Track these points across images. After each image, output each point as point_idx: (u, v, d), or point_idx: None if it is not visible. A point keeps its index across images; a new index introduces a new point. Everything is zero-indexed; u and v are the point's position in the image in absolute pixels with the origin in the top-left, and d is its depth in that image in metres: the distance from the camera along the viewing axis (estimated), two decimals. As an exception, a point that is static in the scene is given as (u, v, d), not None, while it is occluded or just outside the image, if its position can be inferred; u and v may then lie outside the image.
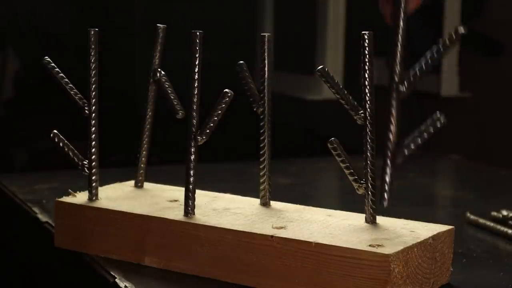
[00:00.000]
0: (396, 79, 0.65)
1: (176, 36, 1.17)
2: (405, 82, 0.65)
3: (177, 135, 1.08)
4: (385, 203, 0.66)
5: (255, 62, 0.79)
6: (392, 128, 0.65)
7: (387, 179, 0.66)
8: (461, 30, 0.63)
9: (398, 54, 0.65)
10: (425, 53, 0.64)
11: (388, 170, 0.66)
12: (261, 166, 0.79)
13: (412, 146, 0.65)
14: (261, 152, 0.79)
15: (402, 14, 0.66)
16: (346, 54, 2.62)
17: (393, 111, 0.65)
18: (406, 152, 0.65)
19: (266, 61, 0.77)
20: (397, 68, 0.65)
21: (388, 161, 0.66)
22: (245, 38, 2.64)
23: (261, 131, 0.78)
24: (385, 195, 0.66)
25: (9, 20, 2.53)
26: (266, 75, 0.78)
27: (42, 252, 0.94)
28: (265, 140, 0.78)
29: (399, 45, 0.65)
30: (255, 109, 0.79)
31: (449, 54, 2.73)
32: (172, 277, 0.75)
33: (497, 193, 1.19)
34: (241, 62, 0.78)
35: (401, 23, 0.65)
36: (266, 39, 0.77)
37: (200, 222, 0.74)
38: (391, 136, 0.65)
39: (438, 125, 0.63)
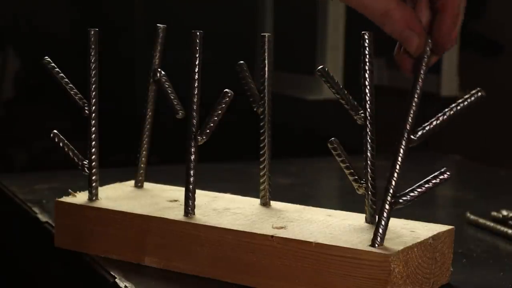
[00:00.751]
0: (408, 127, 0.66)
1: (176, 36, 1.17)
2: (418, 133, 0.66)
3: (177, 135, 1.08)
4: (377, 245, 0.66)
5: (255, 62, 0.79)
6: (396, 174, 0.66)
7: (383, 222, 0.66)
8: (481, 93, 0.63)
9: (414, 104, 0.66)
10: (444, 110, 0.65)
11: (385, 214, 0.66)
12: (261, 166, 0.79)
13: (416, 193, 0.65)
14: (261, 152, 0.79)
15: (424, 67, 0.66)
16: (346, 54, 2.62)
17: (399, 158, 0.66)
18: (407, 198, 0.66)
19: (266, 61, 0.77)
20: (410, 118, 0.66)
21: (387, 206, 0.66)
22: (245, 38, 2.64)
23: (261, 131, 0.78)
24: (379, 238, 0.66)
25: (9, 20, 2.53)
26: (266, 75, 0.78)
27: (42, 252, 0.94)
28: (265, 140, 0.78)
29: (416, 96, 0.66)
30: (255, 109, 0.79)
31: (449, 54, 2.73)
32: (172, 277, 0.74)
33: (497, 193, 1.19)
34: (241, 62, 0.78)
35: (422, 76, 0.66)
36: (266, 39, 0.77)
37: (200, 222, 0.74)
38: (393, 182, 0.66)
39: (443, 180, 0.64)
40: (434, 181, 0.65)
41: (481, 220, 0.95)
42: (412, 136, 0.66)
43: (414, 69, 0.68)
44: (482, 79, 2.79)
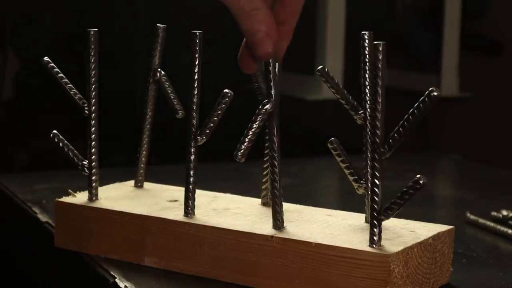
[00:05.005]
0: (378, 141, 0.66)
1: (176, 36, 1.17)
2: (387, 145, 0.66)
3: (177, 135, 1.08)
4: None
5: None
6: (379, 189, 0.66)
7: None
8: (435, 92, 0.63)
9: (379, 119, 0.66)
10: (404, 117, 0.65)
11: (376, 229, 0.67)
12: (264, 166, 0.79)
13: (396, 206, 0.65)
14: (265, 152, 0.78)
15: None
16: (346, 54, 2.62)
17: (377, 173, 0.67)
18: (390, 213, 0.66)
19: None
20: (379, 132, 0.67)
21: (375, 222, 0.67)
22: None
23: (267, 130, 0.78)
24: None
25: (9, 20, 2.53)
26: (276, 75, 0.76)
27: (42, 252, 0.94)
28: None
29: (378, 112, 0.66)
30: None
31: (449, 54, 2.73)
32: (172, 277, 0.75)
33: (497, 193, 1.19)
34: None
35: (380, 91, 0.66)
36: None
37: (200, 222, 0.74)
38: (377, 199, 0.66)
39: (418, 187, 0.63)
40: (411, 192, 0.64)
41: (481, 220, 0.95)
42: (382, 149, 0.66)
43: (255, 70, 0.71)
44: (482, 79, 2.79)
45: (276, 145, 0.72)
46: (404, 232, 0.71)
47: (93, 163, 0.82)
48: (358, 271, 0.66)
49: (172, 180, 0.90)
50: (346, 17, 2.62)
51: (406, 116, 0.65)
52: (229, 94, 0.74)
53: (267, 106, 0.72)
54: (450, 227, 0.73)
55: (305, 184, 1.25)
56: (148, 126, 0.86)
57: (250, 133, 0.71)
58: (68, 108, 0.97)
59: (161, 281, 0.74)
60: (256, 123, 0.71)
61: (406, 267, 0.66)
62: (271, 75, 0.72)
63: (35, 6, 2.57)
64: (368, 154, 0.71)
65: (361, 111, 0.72)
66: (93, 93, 0.81)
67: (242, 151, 0.71)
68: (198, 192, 0.78)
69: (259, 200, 0.81)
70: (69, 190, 0.84)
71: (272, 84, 0.72)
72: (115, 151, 2.02)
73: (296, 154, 1.57)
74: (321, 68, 0.71)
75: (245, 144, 0.71)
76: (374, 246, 0.66)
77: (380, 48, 0.66)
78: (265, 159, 0.79)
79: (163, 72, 0.83)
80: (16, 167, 2.47)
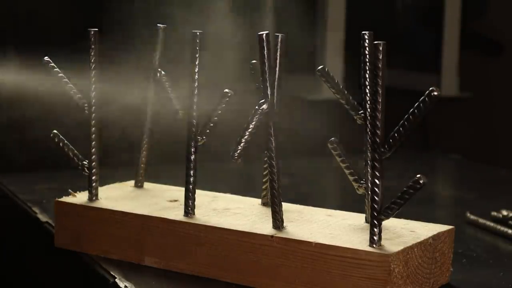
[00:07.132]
0: (378, 141, 0.66)
1: (176, 36, 1.17)
2: (387, 145, 0.66)
3: (177, 135, 1.08)
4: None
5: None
6: (379, 189, 0.66)
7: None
8: (435, 92, 0.63)
9: (380, 119, 0.66)
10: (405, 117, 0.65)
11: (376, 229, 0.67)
12: (265, 166, 0.79)
13: (396, 206, 0.66)
14: (265, 152, 0.78)
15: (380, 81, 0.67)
16: (346, 54, 2.62)
17: (377, 173, 0.67)
18: (390, 213, 0.66)
19: (278, 61, 0.76)
20: (379, 132, 0.67)
21: (375, 221, 0.67)
22: (244, 38, 2.63)
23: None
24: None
25: (9, 20, 2.53)
26: (277, 75, 0.76)
27: (42, 252, 0.94)
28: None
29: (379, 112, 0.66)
30: None
31: (449, 54, 2.73)
32: (172, 277, 0.75)
33: (497, 193, 1.19)
34: (254, 61, 0.78)
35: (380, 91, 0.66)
36: (280, 39, 0.76)
37: (200, 222, 0.74)
38: (377, 198, 0.66)
39: (418, 187, 0.64)
40: (411, 192, 0.64)
41: (481, 220, 0.95)
42: (382, 149, 0.66)
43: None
44: (482, 79, 2.79)
45: (274, 145, 0.72)
46: (404, 232, 0.71)
47: (93, 163, 0.82)
48: (358, 271, 0.66)
49: (172, 180, 0.90)
50: (346, 17, 2.62)
51: (406, 116, 0.65)
52: (229, 94, 0.74)
53: (263, 106, 0.71)
54: (450, 227, 0.73)
55: (305, 184, 1.25)
56: (148, 126, 0.86)
57: (246, 133, 0.71)
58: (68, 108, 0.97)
59: (161, 281, 0.74)
60: (252, 123, 0.71)
61: (406, 267, 0.67)
62: (267, 75, 0.72)
63: (35, 5, 2.57)
64: (368, 154, 0.71)
65: (361, 111, 0.72)
66: (93, 93, 0.81)
67: (238, 151, 0.71)
68: (198, 192, 0.78)
69: (259, 200, 0.81)
70: (69, 190, 0.84)
71: (268, 84, 0.72)
72: (115, 151, 2.02)
73: (296, 154, 1.57)
74: (321, 68, 0.71)
75: (241, 144, 0.71)
76: (374, 246, 0.66)
77: (380, 48, 0.66)
78: (265, 159, 0.79)
79: (163, 72, 0.83)
80: (16, 167, 2.47)
